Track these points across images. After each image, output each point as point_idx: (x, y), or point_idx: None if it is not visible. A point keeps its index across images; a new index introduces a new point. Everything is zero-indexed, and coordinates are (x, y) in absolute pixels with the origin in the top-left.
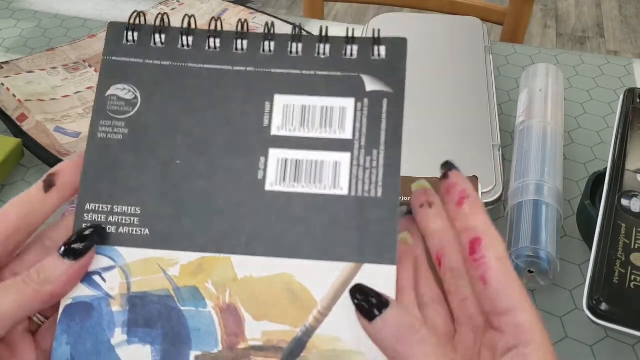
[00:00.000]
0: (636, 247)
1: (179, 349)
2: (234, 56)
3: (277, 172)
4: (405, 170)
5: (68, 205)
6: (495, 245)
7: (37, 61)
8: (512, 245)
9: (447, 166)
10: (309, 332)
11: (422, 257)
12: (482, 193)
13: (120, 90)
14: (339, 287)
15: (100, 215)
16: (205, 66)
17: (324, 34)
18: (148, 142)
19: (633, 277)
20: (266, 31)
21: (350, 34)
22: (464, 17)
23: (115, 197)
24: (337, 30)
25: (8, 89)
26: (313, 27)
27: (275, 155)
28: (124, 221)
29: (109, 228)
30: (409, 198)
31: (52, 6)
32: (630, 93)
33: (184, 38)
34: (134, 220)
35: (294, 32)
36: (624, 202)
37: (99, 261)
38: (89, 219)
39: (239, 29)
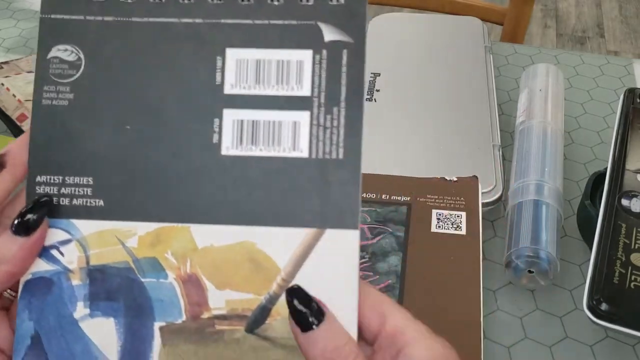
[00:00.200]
0: (636, 247)
1: (143, 321)
2: (180, 7)
3: (232, 134)
4: (406, 171)
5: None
6: None
7: None
8: (512, 246)
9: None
10: (272, 300)
11: None
12: (482, 193)
13: (62, 52)
14: (302, 253)
15: (52, 188)
16: (151, 19)
17: None
18: (95, 106)
19: (633, 277)
20: None
21: None
22: (464, 17)
23: (66, 168)
24: None
25: (8, 89)
26: None
27: (230, 116)
28: (77, 192)
29: (63, 200)
30: (409, 198)
31: None
32: (630, 93)
33: None
34: (87, 191)
35: None
36: (624, 202)
37: (56, 235)
38: (41, 192)
39: None
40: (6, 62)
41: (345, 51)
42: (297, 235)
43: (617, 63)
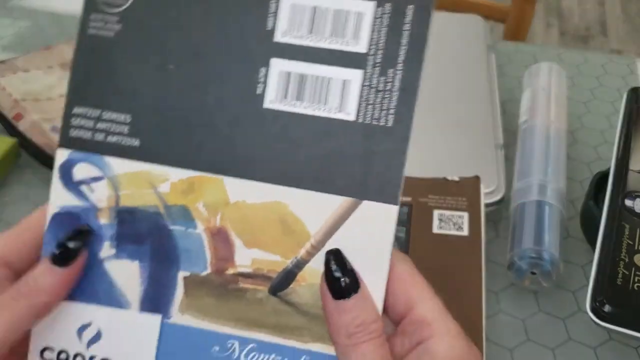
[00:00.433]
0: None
1: (167, 268)
2: None
3: (278, 87)
4: (407, 171)
5: None
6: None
7: (34, 60)
8: (515, 246)
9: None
10: (299, 265)
11: None
12: (485, 193)
13: None
14: (335, 222)
15: (88, 121)
16: None
17: None
18: (141, 41)
19: (637, 278)
20: None
21: None
22: (466, 15)
23: (105, 102)
24: None
25: (4, 88)
26: None
27: (278, 66)
28: (113, 129)
29: (97, 136)
30: (410, 198)
31: (49, 4)
32: (634, 92)
33: None
34: (123, 129)
35: None
36: (628, 202)
37: (87, 170)
38: (77, 124)
39: None
40: (2, 61)
41: (411, 7)
42: (333, 203)
43: (620, 62)
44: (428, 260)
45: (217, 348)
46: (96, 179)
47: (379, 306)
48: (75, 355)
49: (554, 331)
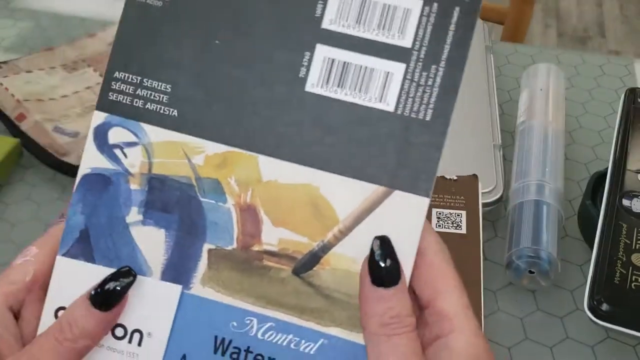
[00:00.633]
0: (637, 247)
1: (193, 239)
2: None
3: (321, 72)
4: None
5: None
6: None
7: (36, 61)
8: (513, 246)
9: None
10: (325, 249)
11: None
12: (483, 193)
13: None
14: (365, 209)
15: (128, 87)
16: None
17: None
18: (189, 13)
19: (634, 277)
20: None
21: None
22: None
23: (147, 70)
24: None
25: (7, 88)
26: None
27: (322, 52)
28: (152, 97)
29: (136, 102)
30: None
31: (51, 5)
32: (631, 93)
33: None
34: (163, 98)
35: None
36: (625, 202)
37: (122, 135)
38: (116, 89)
39: None
40: (5, 62)
41: (457, 9)
42: (364, 190)
43: (618, 63)
44: None
45: (235, 323)
46: (131, 144)
47: None
48: None
49: (552, 330)
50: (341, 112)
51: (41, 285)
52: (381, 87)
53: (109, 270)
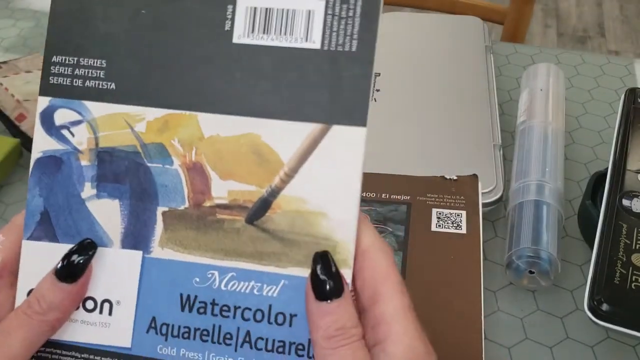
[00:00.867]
0: (637, 247)
1: (146, 205)
2: None
3: (245, 22)
4: (406, 170)
5: None
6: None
7: (36, 61)
8: (513, 246)
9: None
10: (274, 193)
11: None
12: (483, 193)
13: None
14: (306, 148)
15: (66, 68)
16: None
17: None
18: None
19: (634, 277)
20: None
21: None
22: (464, 16)
23: (81, 49)
24: None
25: (6, 88)
26: None
27: (244, 2)
28: (90, 74)
29: (75, 82)
30: (409, 196)
31: None
32: (631, 93)
33: None
34: (100, 74)
35: None
36: (625, 202)
37: (67, 115)
38: (56, 72)
39: None
40: (5, 62)
41: None
42: (303, 130)
43: (618, 63)
44: (427, 259)
45: (197, 279)
46: (76, 123)
47: (353, 230)
48: None
49: (552, 330)
50: (270, 58)
51: (11, 270)
52: (305, 26)
53: None
